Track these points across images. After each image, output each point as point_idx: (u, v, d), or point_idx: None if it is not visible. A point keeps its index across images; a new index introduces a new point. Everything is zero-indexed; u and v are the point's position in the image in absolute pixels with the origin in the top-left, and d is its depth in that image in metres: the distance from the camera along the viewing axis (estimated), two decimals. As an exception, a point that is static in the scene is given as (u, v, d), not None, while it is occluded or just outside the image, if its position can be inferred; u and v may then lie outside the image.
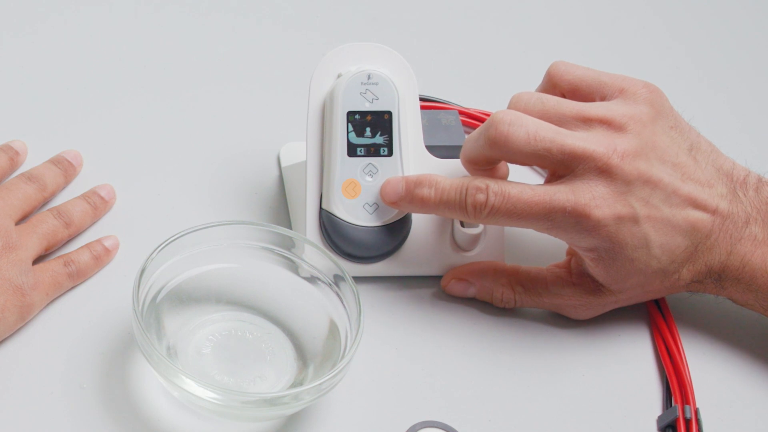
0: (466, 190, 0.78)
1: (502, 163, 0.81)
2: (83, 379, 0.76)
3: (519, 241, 0.88)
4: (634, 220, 0.77)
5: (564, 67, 0.83)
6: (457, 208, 0.79)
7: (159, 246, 0.76)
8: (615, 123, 0.78)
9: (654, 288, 0.81)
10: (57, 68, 0.97)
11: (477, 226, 0.84)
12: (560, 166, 0.78)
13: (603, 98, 0.81)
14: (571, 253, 0.83)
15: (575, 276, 0.82)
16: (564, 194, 0.77)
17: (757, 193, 0.80)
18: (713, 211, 0.79)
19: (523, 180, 0.80)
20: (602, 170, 0.77)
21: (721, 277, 0.80)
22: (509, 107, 0.81)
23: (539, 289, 0.82)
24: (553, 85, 0.83)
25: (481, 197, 0.78)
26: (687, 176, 0.79)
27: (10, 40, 0.99)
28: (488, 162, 0.80)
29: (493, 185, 0.78)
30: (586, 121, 0.78)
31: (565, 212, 0.77)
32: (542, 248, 0.87)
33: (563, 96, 0.82)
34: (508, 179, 0.81)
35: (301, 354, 0.77)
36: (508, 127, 0.77)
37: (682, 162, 0.79)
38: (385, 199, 0.81)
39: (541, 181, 0.83)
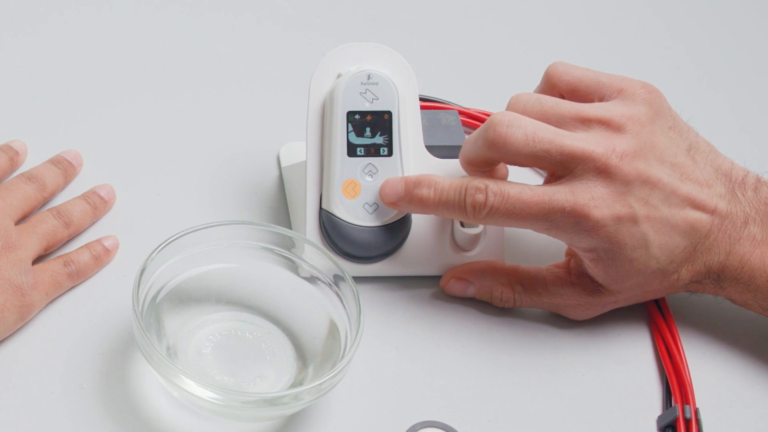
0: (465, 190, 0.78)
1: (502, 164, 0.81)
2: (83, 379, 0.76)
3: (519, 241, 0.88)
4: (633, 220, 0.77)
5: (562, 68, 0.83)
6: (456, 208, 0.79)
7: (159, 246, 0.76)
8: (613, 123, 0.78)
9: (653, 288, 0.81)
10: (57, 68, 0.97)
11: (477, 226, 0.84)
12: (559, 167, 0.78)
13: (601, 99, 0.81)
14: (570, 254, 0.83)
15: (574, 276, 0.82)
16: (563, 195, 0.77)
17: (755, 193, 0.80)
18: (712, 211, 0.79)
19: (523, 181, 0.80)
20: (601, 170, 0.77)
21: (720, 277, 0.80)
22: (508, 108, 0.81)
23: (539, 289, 0.82)
24: (551, 86, 0.83)
25: (480, 197, 0.78)
26: (686, 176, 0.79)
27: (10, 40, 0.99)
28: (487, 163, 0.80)
29: (492, 185, 0.78)
30: (585, 122, 0.78)
31: (564, 213, 0.77)
32: (542, 248, 0.87)
33: (562, 97, 0.82)
34: (507, 180, 0.81)
35: (301, 354, 0.77)
36: (507, 128, 0.77)
37: (680, 162, 0.79)
38: (384, 200, 0.81)
39: (541, 181, 0.83)
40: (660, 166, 0.78)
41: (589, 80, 0.82)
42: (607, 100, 0.80)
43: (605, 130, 0.78)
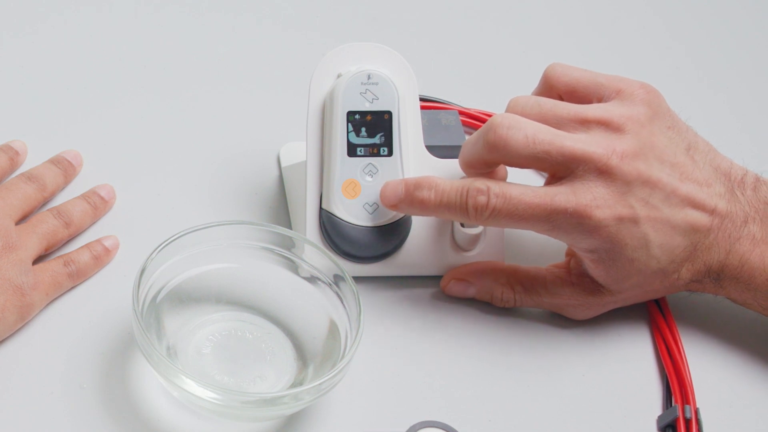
0: (467, 191, 0.78)
1: (501, 165, 0.81)
2: (83, 379, 0.76)
3: (519, 241, 0.88)
4: (634, 220, 0.77)
5: (561, 69, 0.83)
6: (457, 209, 0.79)
7: (159, 246, 0.76)
8: (613, 124, 0.78)
9: (653, 288, 0.81)
10: (57, 68, 0.97)
11: (477, 227, 0.84)
12: (559, 169, 0.78)
13: (600, 99, 0.81)
14: (570, 254, 0.83)
15: (574, 276, 0.82)
16: (565, 195, 0.77)
17: (755, 193, 0.80)
18: (711, 211, 0.79)
19: (523, 182, 0.80)
20: (602, 171, 0.77)
21: (720, 277, 0.80)
22: (507, 111, 0.81)
23: (539, 289, 0.82)
24: (549, 88, 0.83)
25: (482, 199, 0.78)
26: (685, 176, 0.79)
27: (10, 40, 0.99)
28: (487, 165, 0.80)
29: (494, 187, 0.78)
30: (584, 123, 0.78)
31: (566, 213, 0.77)
32: (542, 249, 0.87)
33: (560, 98, 0.82)
34: (508, 181, 0.81)
35: (301, 354, 0.77)
36: (507, 130, 0.77)
37: (680, 162, 0.79)
38: (384, 202, 0.81)
39: (541, 182, 0.83)
40: (660, 166, 0.78)
41: (588, 81, 0.82)
42: (605, 101, 0.80)
43: (605, 130, 0.78)
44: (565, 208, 0.77)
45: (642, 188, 0.77)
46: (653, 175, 0.78)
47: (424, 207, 0.80)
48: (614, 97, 0.80)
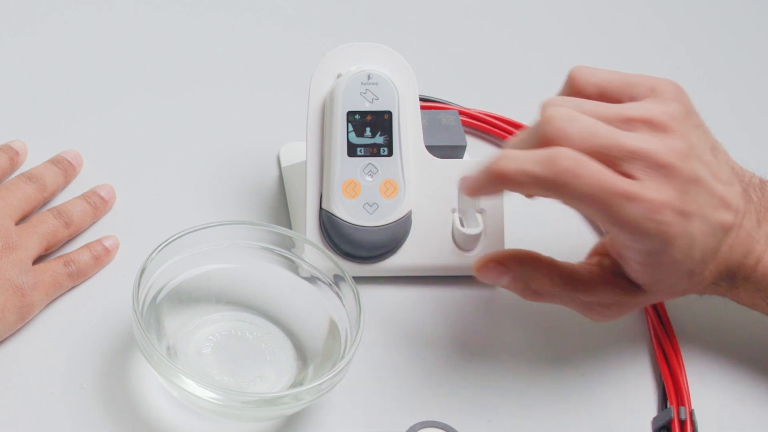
0: (553, 158, 0.72)
1: None
2: (83, 379, 0.76)
3: (519, 241, 0.88)
4: (690, 219, 0.75)
5: (588, 71, 0.79)
6: (541, 179, 0.72)
7: (159, 246, 0.76)
8: (657, 122, 0.75)
9: (681, 288, 0.78)
10: (57, 68, 0.97)
11: (477, 226, 0.84)
12: (617, 165, 0.75)
13: (632, 99, 0.78)
14: (598, 254, 0.81)
15: (610, 275, 0.79)
16: (638, 189, 0.74)
17: (763, 194, 0.80)
18: (736, 211, 0.77)
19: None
20: (663, 167, 0.74)
21: (735, 278, 0.79)
22: (543, 113, 0.77)
23: (577, 285, 0.78)
24: (576, 91, 0.79)
25: (569, 164, 0.72)
26: (715, 176, 0.77)
27: (10, 40, 0.99)
28: None
29: (581, 157, 0.73)
30: (629, 122, 0.75)
31: (641, 206, 0.73)
32: (543, 249, 0.87)
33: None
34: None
35: (301, 354, 0.77)
36: (567, 122, 0.74)
37: (708, 161, 0.77)
38: (466, 191, 0.75)
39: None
40: (700, 165, 0.76)
41: (618, 81, 0.79)
42: (638, 100, 0.78)
43: (650, 129, 0.75)
44: (642, 199, 0.74)
45: (693, 187, 0.75)
46: (699, 174, 0.75)
47: (503, 178, 0.73)
48: (648, 95, 0.77)
